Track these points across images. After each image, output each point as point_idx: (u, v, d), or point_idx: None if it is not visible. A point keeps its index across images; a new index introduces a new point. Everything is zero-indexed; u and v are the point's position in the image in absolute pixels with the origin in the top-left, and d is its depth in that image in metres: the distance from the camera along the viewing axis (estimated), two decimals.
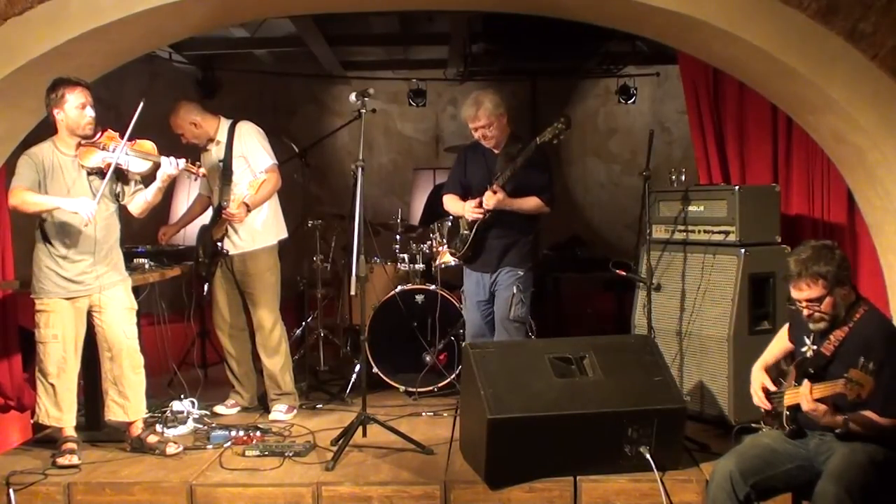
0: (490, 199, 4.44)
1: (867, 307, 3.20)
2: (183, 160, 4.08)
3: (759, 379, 3.40)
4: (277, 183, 4.77)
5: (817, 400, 3.03)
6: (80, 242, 3.99)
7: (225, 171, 4.72)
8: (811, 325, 3.22)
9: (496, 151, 4.63)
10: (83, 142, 3.98)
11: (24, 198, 3.87)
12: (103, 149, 3.98)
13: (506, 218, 4.53)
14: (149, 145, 4.06)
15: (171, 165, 4.02)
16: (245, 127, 4.80)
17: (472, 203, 4.58)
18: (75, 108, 3.93)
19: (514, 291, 4.50)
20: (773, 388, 3.33)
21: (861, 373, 2.88)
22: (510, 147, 4.56)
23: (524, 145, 4.46)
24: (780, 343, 3.51)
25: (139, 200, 4.16)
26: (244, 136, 4.76)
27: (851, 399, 2.91)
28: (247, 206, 4.59)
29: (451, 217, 4.91)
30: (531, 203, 4.53)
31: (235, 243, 4.74)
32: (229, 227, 4.73)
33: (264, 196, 4.69)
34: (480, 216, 4.53)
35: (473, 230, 4.59)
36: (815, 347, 3.23)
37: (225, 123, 4.80)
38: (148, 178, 4.14)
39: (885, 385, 2.98)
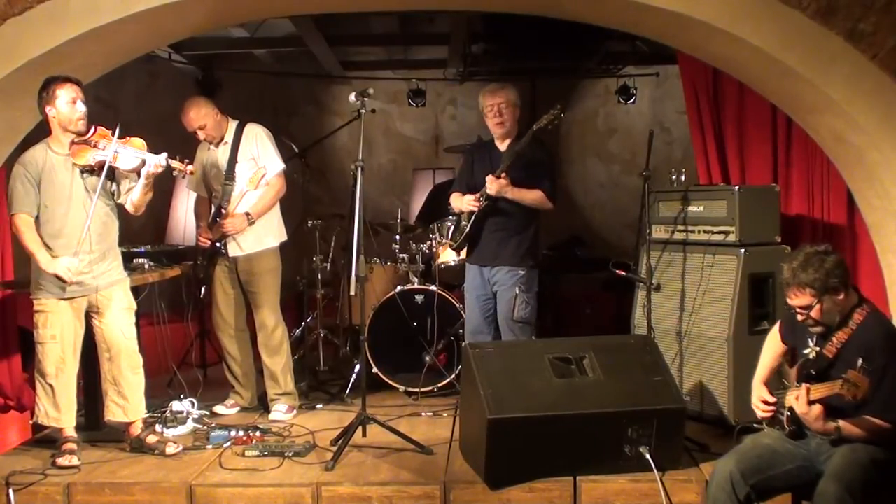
0: (492, 185, 4.46)
1: (870, 309, 3.18)
2: (164, 154, 4.00)
3: (758, 393, 3.38)
4: (282, 189, 4.79)
5: (813, 402, 3.02)
6: (77, 242, 3.97)
7: (228, 173, 4.72)
8: (810, 329, 3.21)
9: (502, 150, 4.64)
10: (76, 139, 3.97)
11: (23, 233, 3.95)
12: (95, 146, 3.97)
13: (502, 210, 4.54)
14: (138, 142, 4.04)
15: (153, 164, 3.96)
16: (257, 129, 4.81)
17: (471, 196, 4.61)
18: (66, 104, 3.91)
19: (517, 292, 4.50)
20: (772, 399, 3.32)
21: (858, 374, 2.88)
22: (514, 143, 4.59)
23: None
24: (771, 349, 3.49)
25: (132, 197, 4.15)
26: (258, 139, 4.77)
27: (848, 400, 2.91)
28: (248, 215, 4.60)
29: (451, 217, 4.91)
30: (533, 195, 4.53)
31: (241, 246, 4.74)
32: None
33: (267, 205, 4.72)
34: (476, 207, 4.55)
35: (471, 221, 4.62)
36: (817, 349, 3.22)
37: (232, 124, 4.81)
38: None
39: (886, 388, 2.98)
